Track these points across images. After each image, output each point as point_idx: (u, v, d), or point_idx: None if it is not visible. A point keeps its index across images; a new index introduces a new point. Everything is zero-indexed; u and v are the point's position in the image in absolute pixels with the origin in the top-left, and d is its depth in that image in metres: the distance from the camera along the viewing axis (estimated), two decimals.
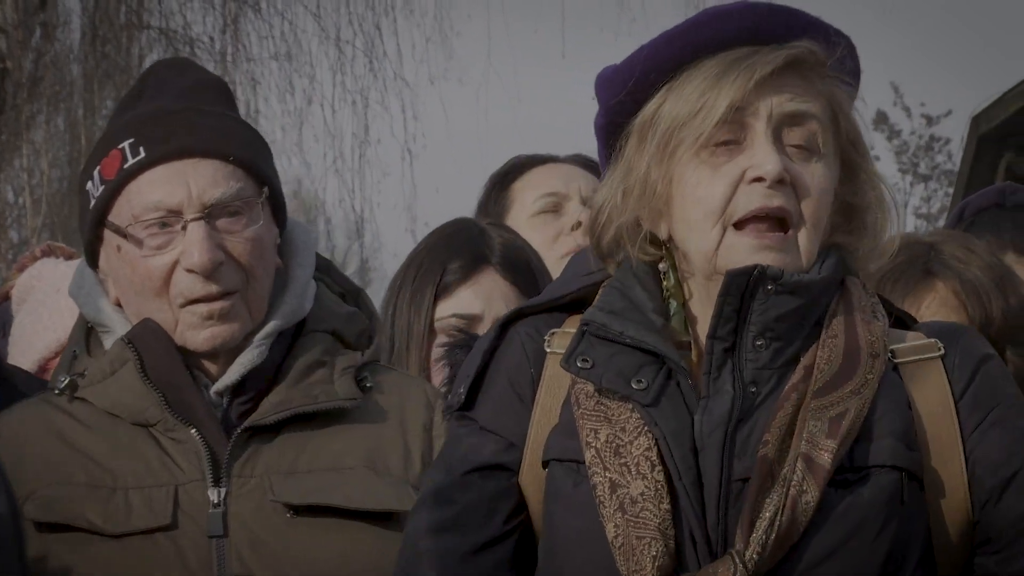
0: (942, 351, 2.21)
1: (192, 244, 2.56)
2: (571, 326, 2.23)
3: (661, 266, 2.22)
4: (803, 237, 2.17)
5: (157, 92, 2.71)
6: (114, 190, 2.62)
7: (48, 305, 3.74)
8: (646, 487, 2.08)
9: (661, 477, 2.09)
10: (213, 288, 2.57)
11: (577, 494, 2.14)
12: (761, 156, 2.14)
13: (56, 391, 2.62)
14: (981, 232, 3.25)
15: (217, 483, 2.54)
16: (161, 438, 2.57)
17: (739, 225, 2.16)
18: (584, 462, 2.13)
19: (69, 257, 4.01)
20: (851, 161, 2.23)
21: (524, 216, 3.87)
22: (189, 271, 2.56)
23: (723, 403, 2.12)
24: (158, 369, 2.58)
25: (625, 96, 2.22)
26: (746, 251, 2.14)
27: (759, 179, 2.14)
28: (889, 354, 2.19)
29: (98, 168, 2.65)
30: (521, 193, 3.89)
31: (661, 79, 2.19)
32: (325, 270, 2.81)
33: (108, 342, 2.67)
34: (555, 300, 2.31)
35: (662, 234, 2.21)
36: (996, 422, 2.18)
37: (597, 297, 2.23)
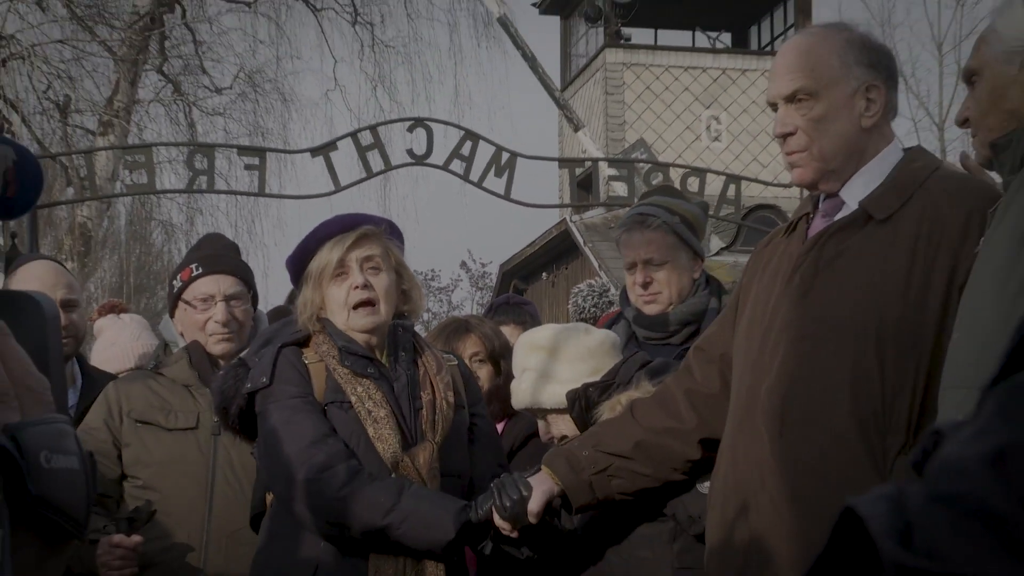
0: (455, 361, 4.15)
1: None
2: (309, 351, 3.92)
3: None
4: (383, 311, 3.95)
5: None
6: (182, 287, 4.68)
7: (114, 346, 6.11)
8: (386, 414, 3.78)
9: (389, 410, 3.80)
10: None
11: (347, 417, 3.79)
12: (355, 279, 3.93)
13: (150, 369, 4.77)
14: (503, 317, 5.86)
15: None
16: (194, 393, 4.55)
17: (355, 308, 3.94)
18: (348, 402, 3.80)
19: (123, 310, 6.42)
20: (401, 271, 4.03)
21: None
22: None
23: (404, 381, 3.90)
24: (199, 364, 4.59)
25: (299, 265, 4.01)
26: (361, 317, 3.93)
27: (357, 287, 3.93)
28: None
29: (180, 275, 4.67)
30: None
31: (311, 255, 3.99)
32: None
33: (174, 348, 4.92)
34: (293, 340, 3.93)
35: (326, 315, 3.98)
36: (479, 412, 4.09)
37: (324, 337, 3.92)
